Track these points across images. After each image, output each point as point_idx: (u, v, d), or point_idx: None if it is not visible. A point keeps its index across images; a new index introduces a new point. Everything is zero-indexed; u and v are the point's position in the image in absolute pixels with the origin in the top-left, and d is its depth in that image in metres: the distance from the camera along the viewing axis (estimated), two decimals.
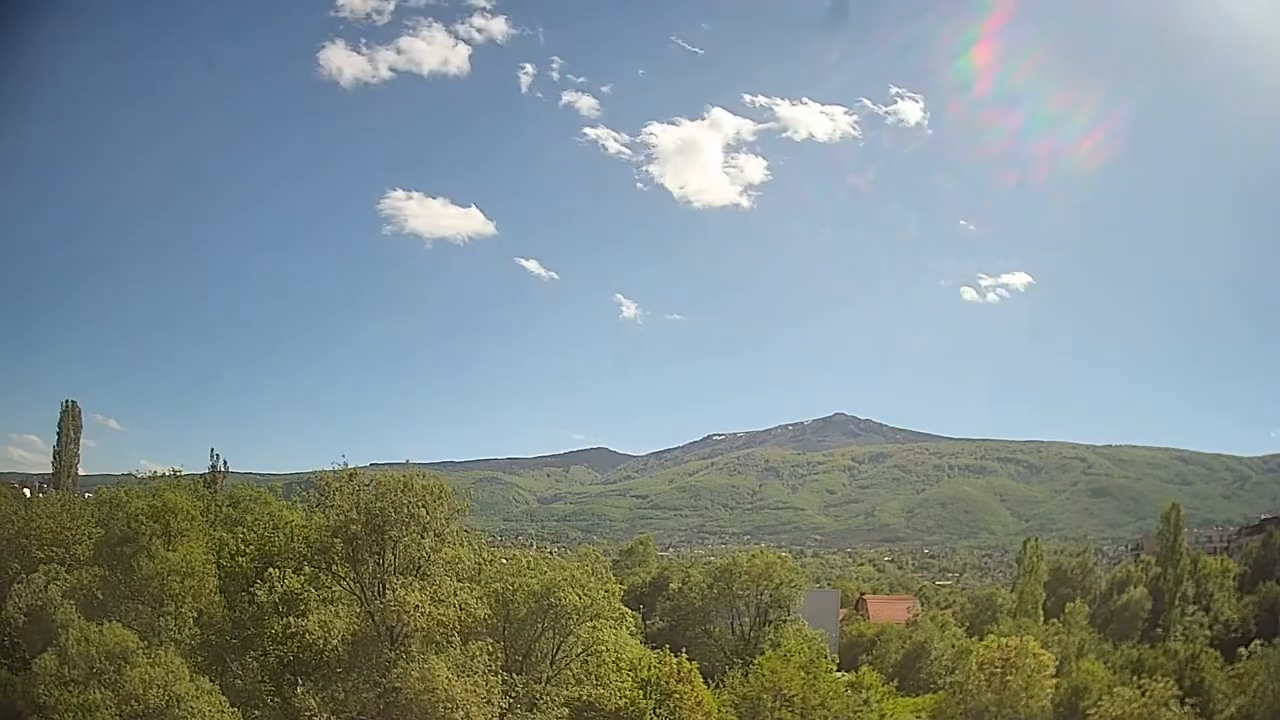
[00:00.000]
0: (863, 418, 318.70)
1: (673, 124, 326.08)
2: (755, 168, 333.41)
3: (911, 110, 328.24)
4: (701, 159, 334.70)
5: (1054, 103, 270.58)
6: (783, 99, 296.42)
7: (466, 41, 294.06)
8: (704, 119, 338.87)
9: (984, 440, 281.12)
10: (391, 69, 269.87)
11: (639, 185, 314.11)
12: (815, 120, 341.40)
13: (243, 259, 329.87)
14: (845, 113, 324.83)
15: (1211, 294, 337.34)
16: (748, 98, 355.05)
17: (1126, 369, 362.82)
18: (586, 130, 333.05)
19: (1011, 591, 75.53)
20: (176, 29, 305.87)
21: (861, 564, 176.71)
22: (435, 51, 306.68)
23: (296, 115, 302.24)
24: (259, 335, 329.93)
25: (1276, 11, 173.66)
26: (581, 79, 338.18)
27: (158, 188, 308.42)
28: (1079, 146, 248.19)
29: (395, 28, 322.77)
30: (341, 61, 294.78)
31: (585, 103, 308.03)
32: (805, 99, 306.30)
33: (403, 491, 29.94)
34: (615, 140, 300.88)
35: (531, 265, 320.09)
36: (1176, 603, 64.70)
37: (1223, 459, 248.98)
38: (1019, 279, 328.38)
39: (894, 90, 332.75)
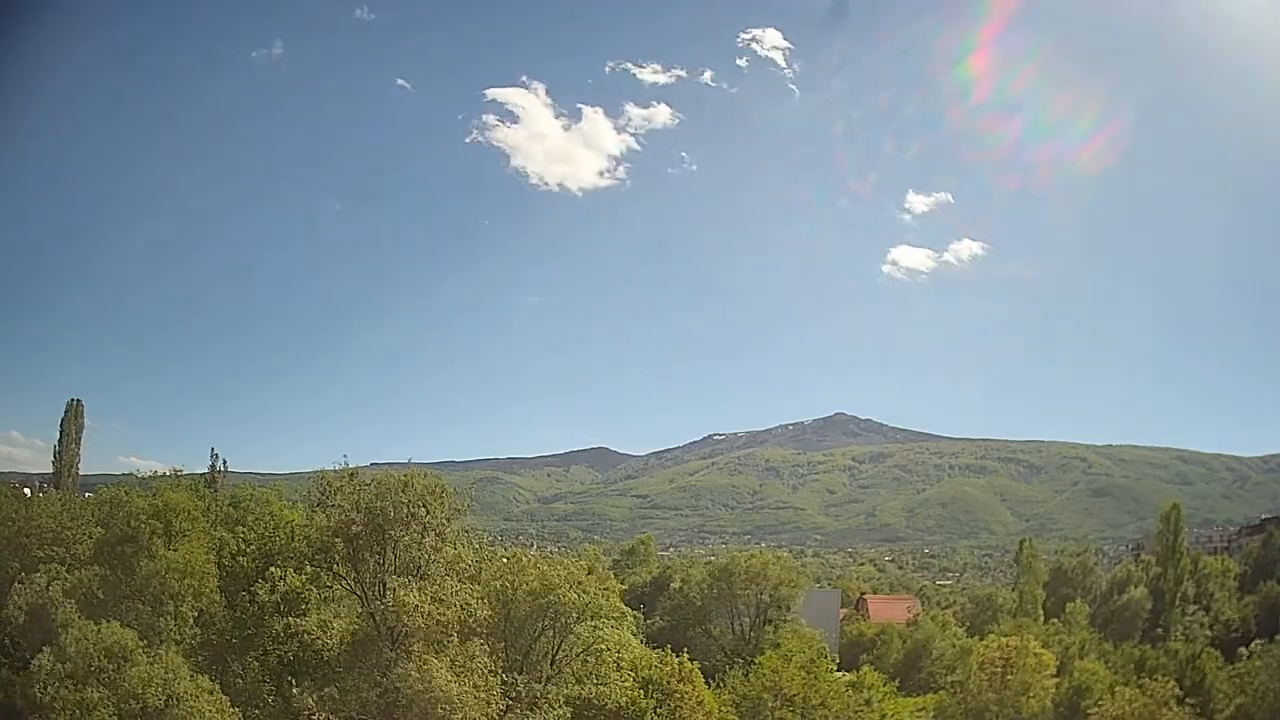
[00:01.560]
0: (863, 417, 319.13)
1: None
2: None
3: (772, 39, 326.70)
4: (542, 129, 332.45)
5: (1054, 109, 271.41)
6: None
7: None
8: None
9: (984, 440, 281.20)
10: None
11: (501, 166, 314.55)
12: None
13: (241, 259, 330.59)
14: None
15: (1212, 294, 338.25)
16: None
17: (1127, 369, 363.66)
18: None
19: (1012, 591, 75.50)
20: (178, 29, 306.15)
21: (862, 564, 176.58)
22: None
23: (294, 117, 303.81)
24: (259, 335, 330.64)
25: (1276, 12, 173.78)
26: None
27: (157, 189, 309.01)
28: (1080, 153, 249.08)
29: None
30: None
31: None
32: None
33: (403, 491, 29.84)
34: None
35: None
36: (1177, 602, 64.64)
37: (1223, 459, 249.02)
38: (1022, 275, 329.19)
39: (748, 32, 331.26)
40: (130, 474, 43.77)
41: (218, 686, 27.64)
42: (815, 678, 37.33)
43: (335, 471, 31.45)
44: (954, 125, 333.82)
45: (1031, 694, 38.50)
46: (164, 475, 41.00)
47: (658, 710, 33.04)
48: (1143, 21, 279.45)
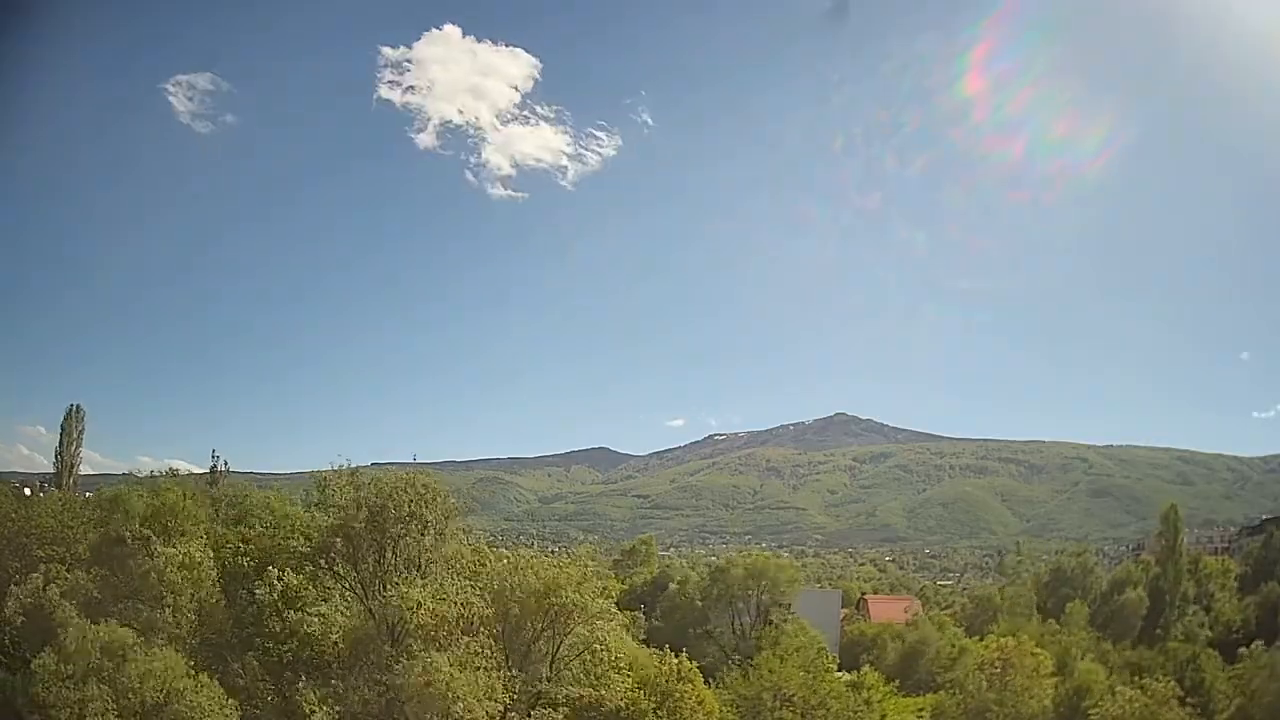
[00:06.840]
0: (864, 418, 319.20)
1: None
2: None
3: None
4: None
5: (1057, 128, 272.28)
6: None
7: None
8: None
9: (985, 440, 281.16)
10: None
11: None
12: None
13: (242, 260, 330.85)
14: None
15: (1213, 295, 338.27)
16: None
17: (1128, 369, 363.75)
18: None
19: (1002, 597, 75.44)
20: (179, 31, 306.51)
21: (862, 564, 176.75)
22: None
23: (293, 119, 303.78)
24: (259, 336, 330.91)
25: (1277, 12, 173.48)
26: None
27: (160, 189, 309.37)
28: (1083, 165, 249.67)
29: None
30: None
31: None
32: None
33: (404, 490, 29.94)
34: None
35: None
36: (1176, 603, 64.56)
37: (1224, 459, 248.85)
38: (1023, 277, 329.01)
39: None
40: (130, 474, 43.88)
41: (217, 683, 27.65)
42: (815, 678, 37.30)
43: (336, 471, 31.50)
44: (957, 142, 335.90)
45: (1031, 694, 38.47)
46: (164, 475, 41.04)
47: (658, 710, 32.98)
48: (1140, 27, 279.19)
